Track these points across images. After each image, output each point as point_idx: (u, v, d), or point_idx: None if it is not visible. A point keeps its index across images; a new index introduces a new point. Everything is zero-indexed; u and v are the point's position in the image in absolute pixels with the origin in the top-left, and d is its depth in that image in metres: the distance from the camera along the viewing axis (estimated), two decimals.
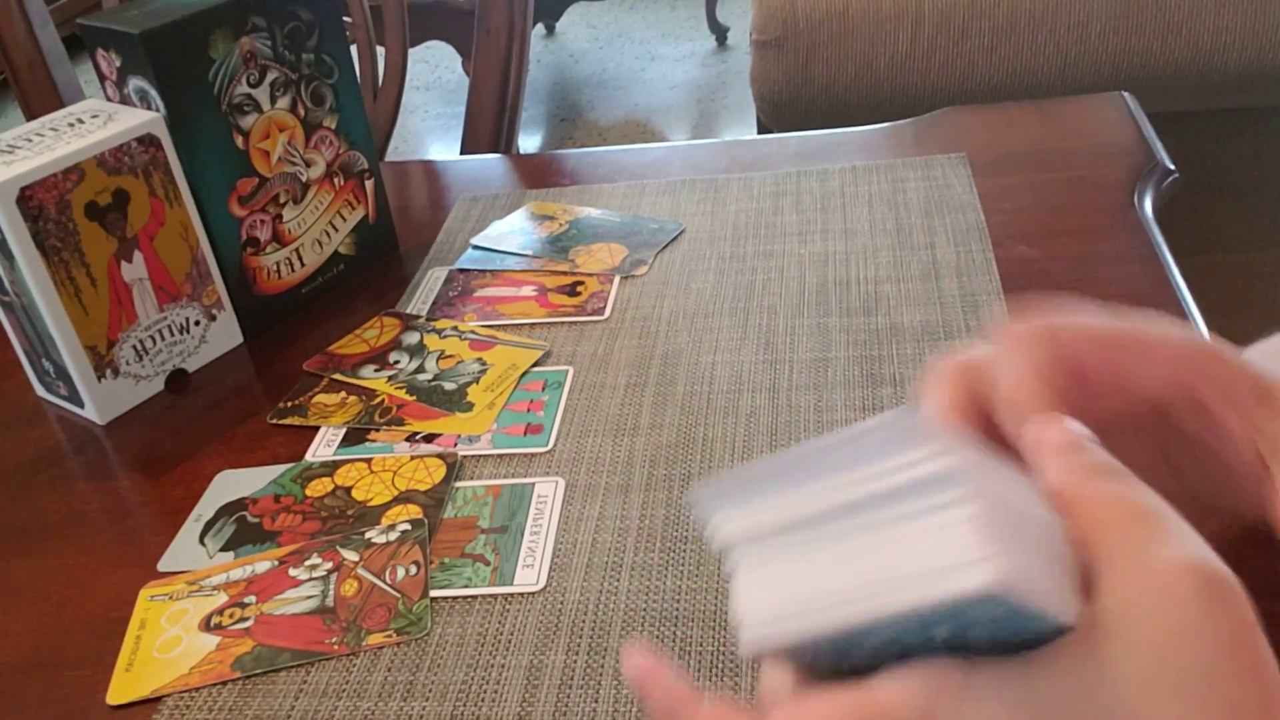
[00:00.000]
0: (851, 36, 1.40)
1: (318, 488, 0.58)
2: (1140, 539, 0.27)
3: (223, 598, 0.52)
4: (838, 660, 0.28)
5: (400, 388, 0.64)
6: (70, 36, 0.98)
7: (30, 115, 1.10)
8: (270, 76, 0.68)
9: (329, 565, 0.52)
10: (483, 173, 0.91)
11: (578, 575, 0.50)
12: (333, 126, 0.72)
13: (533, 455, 0.58)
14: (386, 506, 0.56)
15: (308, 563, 0.53)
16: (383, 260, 0.78)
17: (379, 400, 0.63)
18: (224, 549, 0.55)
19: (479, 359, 0.66)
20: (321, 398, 0.64)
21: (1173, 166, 0.75)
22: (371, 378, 0.65)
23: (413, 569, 0.51)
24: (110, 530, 0.57)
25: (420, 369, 0.65)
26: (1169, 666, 0.25)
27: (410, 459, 0.58)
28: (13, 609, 0.53)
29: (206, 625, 0.50)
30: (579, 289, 0.71)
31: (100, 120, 0.63)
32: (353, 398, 0.64)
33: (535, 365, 0.65)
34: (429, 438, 0.60)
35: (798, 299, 0.67)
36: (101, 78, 0.66)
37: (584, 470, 0.56)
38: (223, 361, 0.70)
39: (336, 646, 0.48)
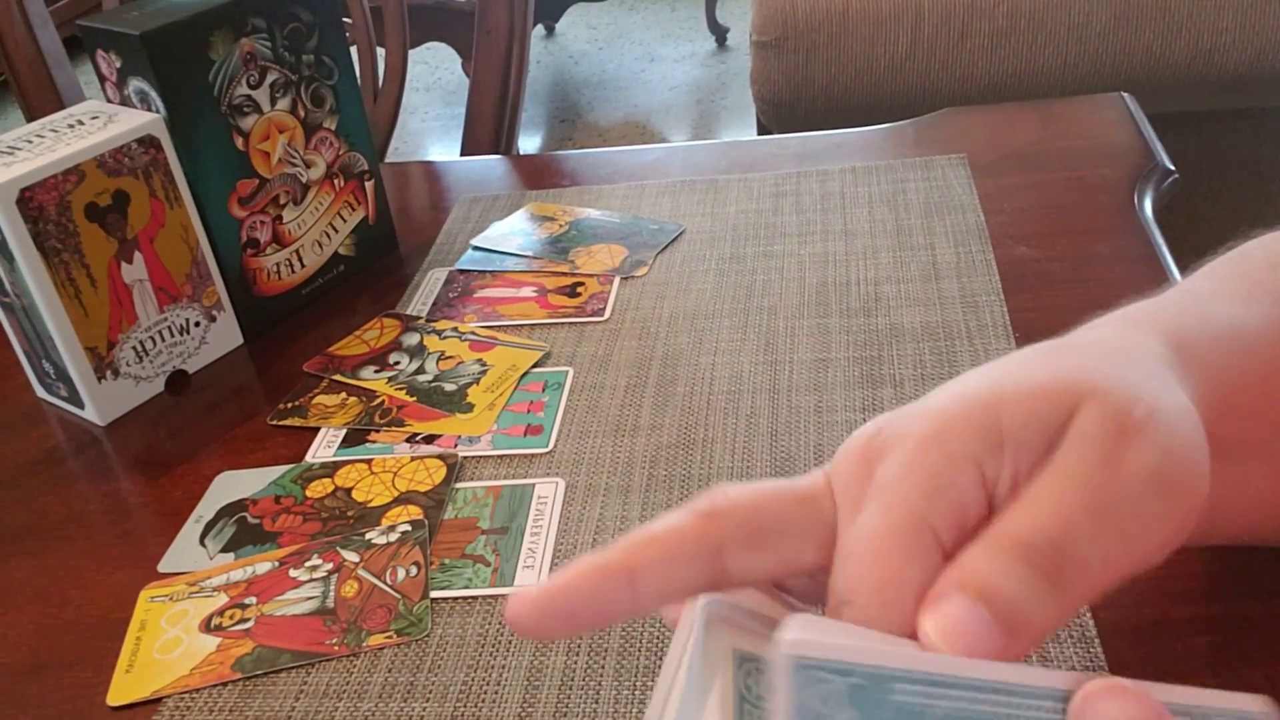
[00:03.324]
0: (851, 37, 1.40)
1: (318, 489, 0.58)
2: None
3: (223, 599, 0.52)
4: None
5: (400, 389, 0.64)
6: (70, 38, 0.98)
7: (30, 116, 1.10)
8: (270, 78, 0.68)
9: (329, 566, 0.52)
10: (483, 174, 0.91)
11: None
12: (333, 128, 0.72)
13: (533, 456, 0.58)
14: (387, 508, 0.56)
15: (308, 564, 0.53)
16: (383, 261, 0.78)
17: (379, 401, 0.63)
18: (224, 550, 0.55)
19: (479, 360, 0.66)
20: (321, 399, 0.64)
21: (1172, 167, 0.75)
22: (371, 379, 0.65)
23: (413, 570, 0.51)
24: (110, 531, 0.57)
25: (420, 370, 0.65)
26: None
27: (410, 460, 0.58)
28: (13, 610, 0.53)
29: (207, 626, 0.50)
30: (579, 290, 0.72)
31: (100, 121, 0.63)
32: (353, 399, 0.64)
33: (535, 366, 0.65)
34: (429, 439, 0.60)
35: (797, 300, 0.67)
36: (101, 79, 0.66)
37: (584, 471, 0.56)
38: (223, 363, 0.70)
39: (337, 647, 0.48)
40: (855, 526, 0.28)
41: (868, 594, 0.27)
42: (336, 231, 0.75)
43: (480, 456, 0.58)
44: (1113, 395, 0.28)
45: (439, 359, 0.66)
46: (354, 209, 0.76)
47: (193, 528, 0.57)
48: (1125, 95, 0.84)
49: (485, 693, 0.45)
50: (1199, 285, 0.41)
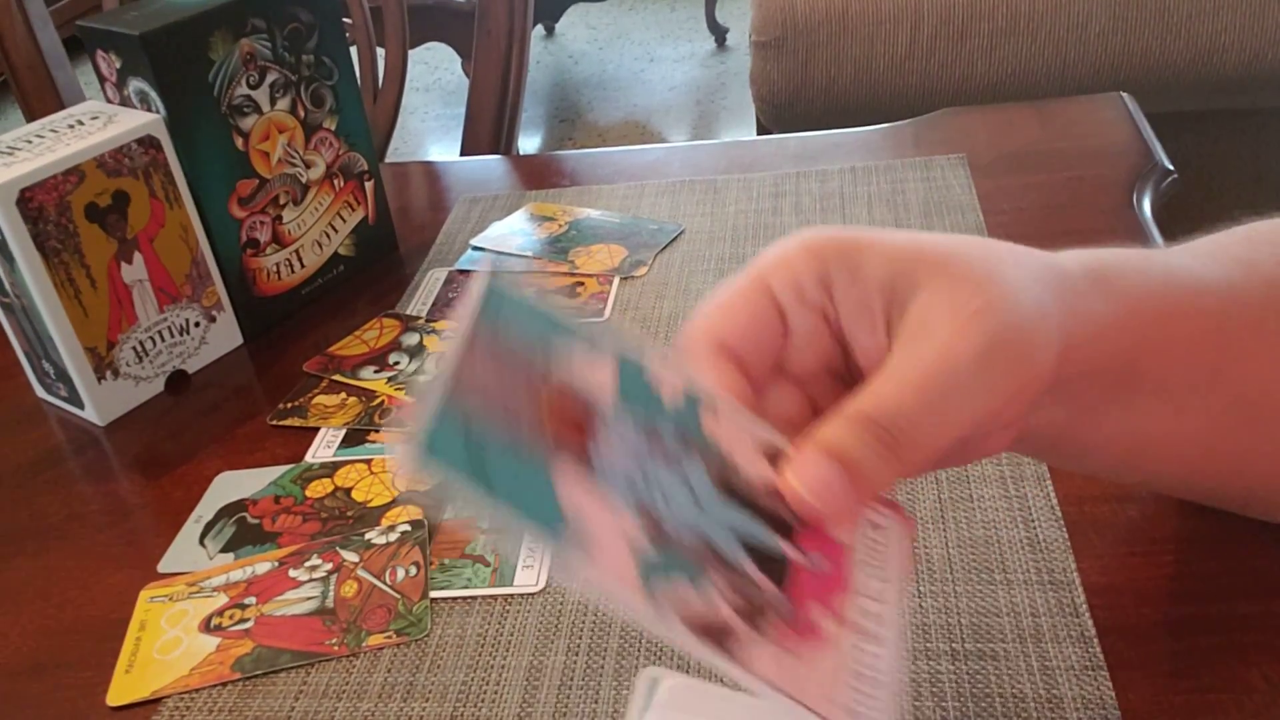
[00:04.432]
0: (851, 37, 1.40)
1: (318, 489, 0.58)
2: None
3: (223, 599, 0.52)
4: None
5: (400, 389, 0.64)
6: (70, 38, 0.98)
7: (30, 117, 1.10)
8: (270, 78, 0.68)
9: (329, 566, 0.52)
10: (482, 174, 0.91)
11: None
12: (332, 128, 0.72)
13: None
14: (386, 507, 0.56)
15: (308, 564, 0.53)
16: (382, 261, 0.78)
17: (379, 401, 0.63)
18: (224, 550, 0.55)
19: None
20: (321, 399, 0.64)
21: (1171, 167, 0.75)
22: (371, 379, 0.65)
23: (412, 570, 0.52)
24: (110, 532, 0.58)
25: (420, 370, 0.65)
26: None
27: None
28: (13, 610, 0.53)
29: (206, 626, 0.50)
30: (578, 290, 0.72)
31: (100, 122, 0.63)
32: (352, 399, 0.64)
33: None
34: None
35: None
36: (101, 79, 0.66)
37: None
38: (223, 363, 0.70)
39: (336, 647, 0.48)
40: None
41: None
42: (336, 231, 0.75)
43: None
44: (957, 281, 0.33)
45: (439, 359, 0.66)
46: (354, 209, 0.76)
47: (192, 528, 0.57)
48: (1124, 95, 0.84)
49: (485, 693, 0.45)
50: (1165, 248, 0.42)
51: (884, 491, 0.32)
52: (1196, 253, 0.40)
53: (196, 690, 0.47)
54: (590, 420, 0.30)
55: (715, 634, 0.30)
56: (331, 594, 0.51)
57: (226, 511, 0.57)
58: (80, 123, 0.63)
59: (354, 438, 0.61)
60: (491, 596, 0.50)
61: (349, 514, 0.56)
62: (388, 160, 1.06)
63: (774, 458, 0.32)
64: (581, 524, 0.29)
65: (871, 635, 0.31)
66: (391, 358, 0.67)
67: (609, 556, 0.29)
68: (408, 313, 0.72)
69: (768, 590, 0.30)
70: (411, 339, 0.69)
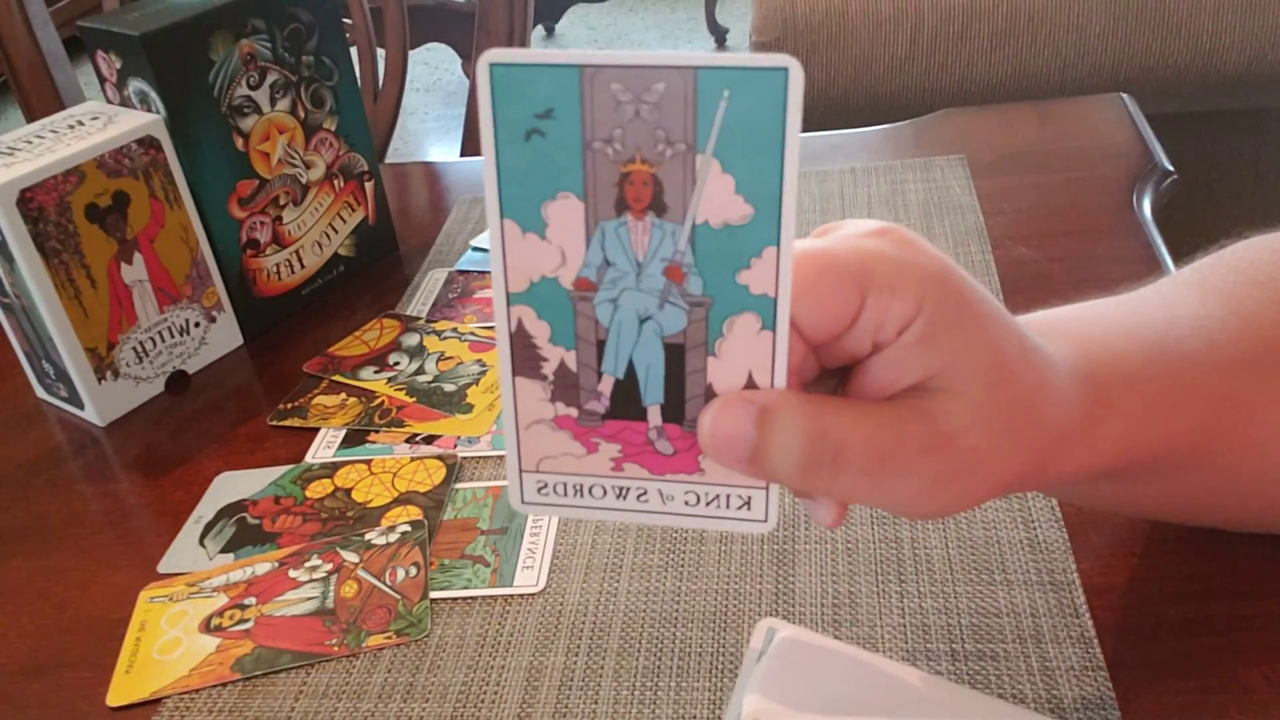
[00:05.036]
0: (851, 38, 1.40)
1: (318, 489, 0.58)
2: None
3: (223, 599, 0.52)
4: None
5: (400, 389, 0.64)
6: (71, 38, 0.98)
7: (31, 117, 1.10)
8: (270, 78, 0.68)
9: (329, 567, 0.52)
10: (482, 174, 0.90)
11: (577, 577, 0.50)
12: (333, 128, 0.72)
13: None
14: (386, 508, 0.56)
15: (308, 564, 0.53)
16: (382, 262, 0.78)
17: (379, 402, 0.63)
18: (224, 550, 0.55)
19: (479, 360, 0.66)
20: (321, 399, 0.64)
21: (1171, 168, 0.75)
22: (371, 379, 0.65)
23: (412, 570, 0.52)
24: (110, 532, 0.58)
25: (420, 371, 0.65)
26: None
27: (410, 460, 0.59)
28: (13, 610, 0.53)
29: (206, 627, 0.50)
30: None
31: (100, 122, 0.63)
32: (352, 399, 0.64)
33: None
34: (429, 439, 0.60)
35: None
36: (101, 80, 0.66)
37: None
38: (223, 363, 0.70)
39: (336, 648, 0.48)
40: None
41: None
42: (336, 232, 0.75)
43: (480, 457, 0.58)
44: (989, 406, 0.31)
45: (439, 359, 0.66)
46: (354, 209, 0.76)
47: (192, 528, 0.57)
48: (1124, 96, 0.84)
49: (485, 693, 0.45)
50: (1172, 309, 0.40)
51: (771, 481, 0.31)
52: (1193, 316, 0.39)
53: (196, 691, 0.47)
54: (652, 208, 0.28)
55: (524, 357, 0.30)
56: (331, 594, 0.51)
57: (226, 512, 0.57)
58: (80, 123, 0.63)
59: (354, 438, 0.61)
60: (491, 597, 0.50)
61: (349, 514, 0.56)
62: (388, 161, 1.06)
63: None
64: (537, 220, 0.29)
65: (613, 492, 0.31)
66: (391, 358, 0.67)
67: (525, 252, 0.29)
68: (408, 313, 0.72)
69: (594, 394, 0.30)
70: (411, 339, 0.69)
